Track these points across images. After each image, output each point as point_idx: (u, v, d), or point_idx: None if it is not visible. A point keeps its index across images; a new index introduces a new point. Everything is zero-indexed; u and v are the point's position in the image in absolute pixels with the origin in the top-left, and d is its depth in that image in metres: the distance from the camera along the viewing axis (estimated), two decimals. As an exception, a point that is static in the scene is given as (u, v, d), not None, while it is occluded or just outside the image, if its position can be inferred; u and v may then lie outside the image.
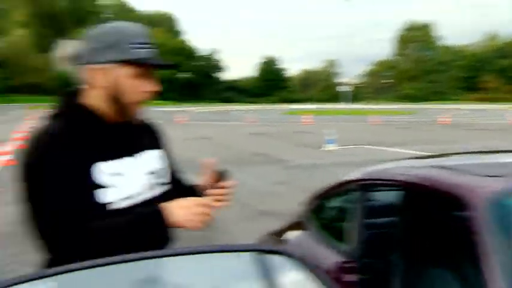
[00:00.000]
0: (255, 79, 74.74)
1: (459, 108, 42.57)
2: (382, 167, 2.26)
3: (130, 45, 1.30)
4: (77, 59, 1.34)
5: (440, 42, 74.12)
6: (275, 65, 75.74)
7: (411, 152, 11.84)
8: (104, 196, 1.28)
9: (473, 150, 2.45)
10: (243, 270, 1.24)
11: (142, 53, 1.32)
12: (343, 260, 2.04)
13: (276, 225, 3.09)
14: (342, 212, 2.39)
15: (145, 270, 1.11)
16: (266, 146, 14.08)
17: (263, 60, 75.08)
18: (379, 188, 2.22)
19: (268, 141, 15.67)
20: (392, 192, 2.22)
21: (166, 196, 1.41)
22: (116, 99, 1.33)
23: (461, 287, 1.85)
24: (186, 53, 74.80)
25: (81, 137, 1.30)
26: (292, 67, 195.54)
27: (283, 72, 76.90)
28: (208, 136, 17.37)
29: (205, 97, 70.40)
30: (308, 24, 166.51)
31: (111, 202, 1.29)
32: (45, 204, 1.23)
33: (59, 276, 1.00)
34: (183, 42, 79.53)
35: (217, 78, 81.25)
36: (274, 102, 66.50)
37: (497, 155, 2.30)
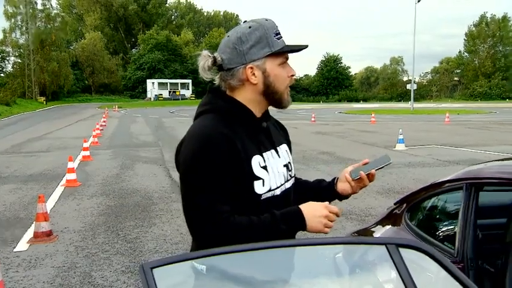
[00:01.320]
0: (317, 77, 73.81)
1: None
2: (488, 164, 2.15)
3: (274, 38, 1.38)
4: (225, 64, 1.40)
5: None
6: (337, 62, 74.50)
7: (484, 152, 11.24)
8: (259, 188, 1.36)
9: None
10: (377, 262, 1.24)
11: (282, 42, 1.40)
12: (451, 261, 1.96)
13: (353, 225, 3.04)
14: (440, 211, 2.30)
15: (281, 258, 1.14)
16: (330, 144, 13.93)
17: (325, 58, 73.96)
18: (487, 188, 2.12)
19: (332, 140, 15.47)
20: (503, 192, 2.11)
21: (295, 188, 1.51)
22: (271, 90, 1.41)
23: None
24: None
25: (239, 132, 1.37)
26: (356, 65, 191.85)
27: (346, 70, 75.43)
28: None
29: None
30: (371, 21, 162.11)
31: (261, 193, 1.36)
32: (200, 198, 1.30)
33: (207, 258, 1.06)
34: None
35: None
36: (337, 101, 65.54)
37: None
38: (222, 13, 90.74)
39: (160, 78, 62.48)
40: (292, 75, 1.44)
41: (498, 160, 2.23)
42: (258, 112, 1.44)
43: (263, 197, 1.36)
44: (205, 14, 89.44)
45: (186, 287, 1.17)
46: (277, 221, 1.32)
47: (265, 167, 1.38)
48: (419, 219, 2.44)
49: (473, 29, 70.73)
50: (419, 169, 9.26)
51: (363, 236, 2.86)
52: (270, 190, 1.38)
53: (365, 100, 68.22)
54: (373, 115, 24.99)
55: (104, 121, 24.73)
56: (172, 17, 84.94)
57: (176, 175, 1.44)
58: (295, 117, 29.52)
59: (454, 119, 24.73)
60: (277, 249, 1.10)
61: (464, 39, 72.30)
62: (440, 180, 2.31)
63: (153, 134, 19.06)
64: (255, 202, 1.35)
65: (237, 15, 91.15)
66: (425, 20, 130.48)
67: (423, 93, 70.72)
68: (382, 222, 2.80)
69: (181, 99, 58.54)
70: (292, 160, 1.56)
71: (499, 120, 24.75)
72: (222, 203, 1.29)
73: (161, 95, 58.94)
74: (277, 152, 1.46)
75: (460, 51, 74.48)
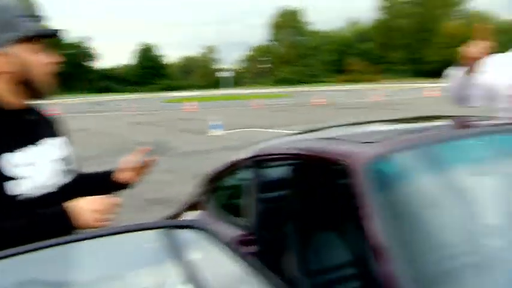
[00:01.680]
0: (133, 67, 71.87)
1: (330, 90, 45.68)
2: (270, 143, 2.37)
3: (21, 21, 1.25)
4: None
5: (310, 28, 78.56)
6: (153, 52, 73.69)
7: (292, 132, 12.49)
8: (17, 187, 1.24)
9: (346, 123, 2.69)
10: (151, 249, 1.25)
11: (35, 25, 1.29)
12: (242, 233, 2.13)
13: (165, 213, 3.09)
14: (237, 189, 2.47)
15: (53, 257, 1.08)
16: (147, 134, 13.77)
17: (140, 47, 72.45)
18: (269, 164, 2.33)
19: (150, 130, 15.33)
20: (282, 166, 2.36)
21: (75, 183, 1.44)
22: (26, 79, 1.29)
23: (349, 247, 2.05)
24: (52, 41, 68.93)
25: None
26: (171, 54, 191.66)
27: (161, 59, 75.17)
28: (84, 128, 16.41)
29: (79, 88, 66.01)
30: (182, 9, 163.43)
31: (25, 193, 1.26)
32: None
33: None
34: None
35: (90, 67, 76.52)
36: (155, 90, 64.85)
37: (367, 125, 2.55)
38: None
39: None
40: (53, 62, 1.35)
41: (284, 136, 2.48)
42: (13, 103, 1.30)
43: (25, 196, 1.26)
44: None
45: None
46: (35, 223, 1.23)
47: (25, 164, 1.27)
48: (219, 199, 2.58)
49: (276, 19, 77.45)
50: (233, 152, 9.80)
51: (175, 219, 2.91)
52: (38, 188, 1.29)
53: (184, 88, 69.13)
54: (191, 103, 25.50)
55: None
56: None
57: None
58: (112, 108, 28.25)
59: (263, 103, 26.83)
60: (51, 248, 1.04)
61: (269, 29, 78.73)
62: (233, 160, 2.49)
63: None
64: (15, 203, 1.24)
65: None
66: (235, 10, 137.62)
67: (237, 80, 74.94)
68: (191, 206, 2.89)
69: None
70: (72, 153, 1.47)
71: (298, 103, 27.71)
72: None
73: None
74: (43, 146, 1.36)
75: (266, 40, 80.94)
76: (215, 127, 13.29)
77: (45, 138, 1.39)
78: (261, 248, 2.10)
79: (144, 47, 72.71)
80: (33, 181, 1.28)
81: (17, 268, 1.01)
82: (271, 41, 79.30)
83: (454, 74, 2.23)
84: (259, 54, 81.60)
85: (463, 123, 2.08)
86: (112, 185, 1.53)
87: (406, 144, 1.77)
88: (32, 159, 1.30)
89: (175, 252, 1.16)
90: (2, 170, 1.22)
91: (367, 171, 1.61)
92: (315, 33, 78.80)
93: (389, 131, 2.22)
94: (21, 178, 1.25)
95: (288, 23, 76.13)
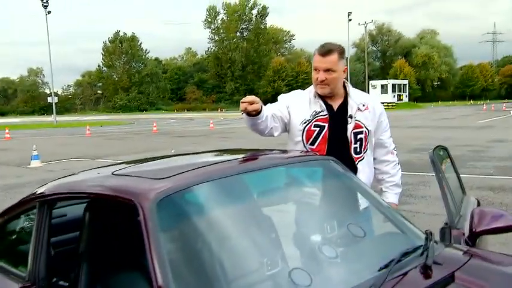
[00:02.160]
0: None
1: (169, 117, 45.69)
2: (65, 179, 2.18)
3: None
4: None
5: (147, 55, 77.92)
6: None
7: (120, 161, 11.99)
8: None
9: (161, 156, 2.63)
10: None
11: None
12: (21, 286, 1.88)
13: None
14: (22, 234, 2.20)
15: None
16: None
17: None
18: (63, 202, 2.15)
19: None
20: (76, 205, 2.18)
21: None
22: None
23: (148, 285, 1.97)
24: None
25: None
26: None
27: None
28: None
29: None
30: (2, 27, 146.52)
31: None
32: None
33: None
34: None
35: None
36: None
37: (178, 158, 2.53)
38: None
39: None
40: None
41: (77, 173, 2.29)
42: None
43: None
44: None
45: None
46: None
47: None
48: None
49: (109, 44, 74.93)
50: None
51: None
52: None
53: (2, 114, 61.65)
54: (7, 130, 22.79)
55: None
56: None
57: None
58: None
59: (97, 131, 25.45)
60: None
61: (102, 54, 75.71)
62: (17, 201, 2.21)
63: None
64: None
65: None
66: (64, 32, 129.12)
67: (67, 106, 70.05)
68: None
69: None
70: None
71: (135, 131, 27.03)
72: None
73: None
74: None
75: (99, 65, 77.46)
76: (34, 158, 12.03)
77: None
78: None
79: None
80: None
81: None
82: (105, 66, 76.26)
83: (241, 113, 2.33)
84: (92, 79, 77.69)
85: (257, 156, 2.17)
86: None
87: (199, 178, 1.78)
88: None
89: None
90: None
91: (154, 209, 1.57)
92: (152, 61, 78.44)
93: (190, 164, 2.22)
94: None
95: (123, 48, 74.31)
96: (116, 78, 74.15)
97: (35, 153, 12.07)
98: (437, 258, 1.62)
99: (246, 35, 75.84)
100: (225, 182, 1.80)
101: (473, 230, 2.03)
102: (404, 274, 1.53)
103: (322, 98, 2.43)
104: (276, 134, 2.44)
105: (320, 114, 2.40)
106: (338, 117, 2.41)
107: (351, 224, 1.76)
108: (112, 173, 2.01)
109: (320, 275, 1.51)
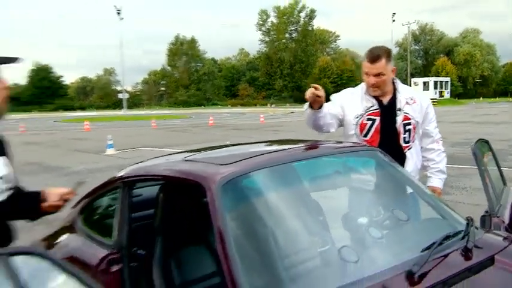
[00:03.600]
0: (29, 86, 65.59)
1: (224, 112, 46.28)
2: (142, 164, 2.32)
3: None
4: None
5: (204, 55, 79.18)
6: (49, 71, 68.20)
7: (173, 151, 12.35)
8: None
9: (223, 145, 2.72)
10: None
11: None
12: (109, 252, 2.03)
13: (44, 233, 2.85)
14: (108, 209, 2.36)
15: None
16: (40, 154, 12.66)
17: (34, 67, 66.52)
18: (140, 184, 2.28)
19: (43, 150, 14.11)
20: (152, 186, 2.31)
21: (11, 201, 1.44)
22: None
23: (210, 260, 2.06)
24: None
25: None
26: (70, 75, 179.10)
27: (59, 79, 69.89)
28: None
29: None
30: (78, 30, 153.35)
31: None
32: None
33: None
34: None
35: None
36: (51, 110, 59.86)
37: (240, 147, 2.60)
38: None
39: None
40: (4, 88, 1.34)
41: (153, 158, 2.42)
42: None
43: None
44: None
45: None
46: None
47: None
48: (89, 220, 2.44)
49: (173, 47, 76.77)
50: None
51: (50, 240, 2.69)
52: None
53: (82, 108, 64.90)
54: (86, 123, 24.01)
55: None
56: None
57: None
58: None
59: (161, 124, 26.23)
60: None
61: (167, 55, 77.73)
62: (103, 182, 2.37)
63: None
64: None
65: None
66: (133, 36, 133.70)
67: (136, 101, 72.49)
68: (64, 227, 2.68)
69: None
70: (12, 172, 1.46)
71: (194, 124, 27.63)
72: None
73: None
74: None
75: (163, 65, 79.69)
76: (109, 146, 12.65)
77: None
78: (129, 266, 2.03)
79: (39, 66, 67.01)
80: None
81: None
82: (168, 66, 78.37)
83: (305, 109, 2.40)
84: (158, 77, 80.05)
85: (309, 146, 2.21)
86: (37, 210, 1.58)
87: (258, 165, 1.84)
88: None
89: (14, 279, 1.05)
90: None
91: (219, 191, 1.64)
92: (209, 61, 79.65)
93: (249, 152, 2.29)
94: None
95: (184, 50, 75.93)
96: (177, 77, 75.97)
97: (110, 142, 12.69)
98: (478, 242, 1.60)
99: (295, 36, 75.13)
100: (279, 169, 1.85)
101: (513, 218, 1.97)
102: (446, 256, 1.53)
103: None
104: (332, 130, 2.53)
105: (371, 108, 2.46)
106: (388, 110, 2.45)
107: (396, 209, 1.77)
108: (183, 159, 2.11)
109: (366, 253, 1.53)
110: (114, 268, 1.99)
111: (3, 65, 1.35)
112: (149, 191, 2.36)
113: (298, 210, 1.82)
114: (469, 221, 1.68)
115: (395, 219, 1.74)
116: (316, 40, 77.88)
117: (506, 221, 1.98)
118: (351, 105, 2.49)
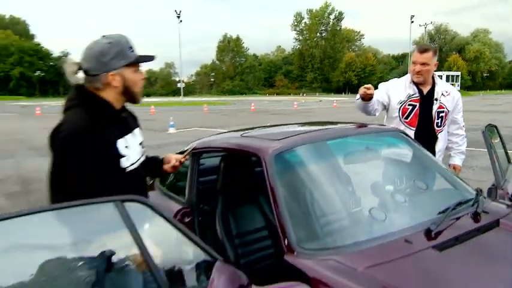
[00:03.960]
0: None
1: (264, 99, 46.09)
2: (206, 139, 2.42)
3: (129, 51, 1.42)
4: (90, 71, 1.39)
5: (247, 51, 78.70)
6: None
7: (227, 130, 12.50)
8: (125, 162, 1.42)
9: (269, 125, 2.79)
10: (107, 218, 1.24)
11: (134, 54, 1.44)
12: (182, 207, 2.16)
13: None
14: (179, 174, 2.49)
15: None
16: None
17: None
18: (205, 155, 2.38)
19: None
20: (214, 157, 2.41)
21: (145, 161, 1.60)
22: (129, 91, 1.45)
23: (263, 216, 2.15)
24: (40, 55, 63.70)
25: (104, 121, 1.39)
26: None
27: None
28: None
29: (63, 93, 61.21)
30: (145, 33, 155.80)
31: (127, 166, 1.43)
32: (69, 182, 1.30)
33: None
34: (37, 44, 66.84)
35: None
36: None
37: (279, 127, 2.66)
38: (7, 17, 73.31)
39: None
40: (143, 78, 1.47)
41: (215, 135, 2.52)
42: (117, 106, 1.46)
43: (128, 169, 1.43)
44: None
45: None
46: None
47: (127, 147, 1.43)
48: (166, 182, 2.58)
49: (221, 44, 76.75)
50: (185, 146, 9.68)
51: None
52: (132, 164, 1.45)
53: (148, 95, 66.64)
54: (152, 107, 24.71)
55: None
56: None
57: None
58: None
59: (211, 109, 26.52)
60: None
61: (216, 51, 77.92)
62: (177, 152, 2.49)
63: None
64: (122, 174, 1.41)
65: (23, 19, 75.25)
66: (189, 34, 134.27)
67: (190, 89, 73.54)
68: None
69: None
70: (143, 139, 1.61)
71: (239, 109, 27.73)
72: (83, 186, 1.29)
73: None
74: (133, 134, 1.52)
75: (212, 60, 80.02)
76: (171, 126, 13.03)
77: (133, 129, 1.55)
78: (197, 219, 2.15)
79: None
80: (130, 159, 1.45)
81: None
82: (217, 60, 78.67)
83: (356, 99, 2.47)
84: (207, 70, 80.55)
85: (344, 127, 2.23)
86: (160, 170, 1.76)
87: (301, 141, 1.89)
88: (129, 143, 1.46)
89: (126, 220, 1.16)
90: (118, 151, 1.40)
91: (272, 161, 1.71)
92: (250, 56, 79.12)
93: (292, 131, 2.34)
94: (125, 156, 1.42)
95: (230, 47, 75.79)
96: (224, 69, 76.13)
97: (172, 123, 13.05)
98: (485, 208, 1.60)
99: (324, 35, 73.04)
100: (318, 145, 1.90)
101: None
102: (458, 218, 1.54)
103: (416, 84, 2.52)
104: (377, 114, 2.58)
105: (413, 96, 2.50)
106: (427, 99, 2.50)
107: (417, 180, 1.79)
108: (241, 135, 2.20)
109: (392, 214, 1.57)
110: (186, 219, 2.12)
111: (143, 63, 1.48)
112: (213, 161, 2.45)
113: (332, 179, 1.87)
114: (479, 191, 1.68)
115: (416, 188, 1.76)
116: (343, 38, 75.33)
117: (510, 192, 1.94)
118: (396, 92, 2.54)
